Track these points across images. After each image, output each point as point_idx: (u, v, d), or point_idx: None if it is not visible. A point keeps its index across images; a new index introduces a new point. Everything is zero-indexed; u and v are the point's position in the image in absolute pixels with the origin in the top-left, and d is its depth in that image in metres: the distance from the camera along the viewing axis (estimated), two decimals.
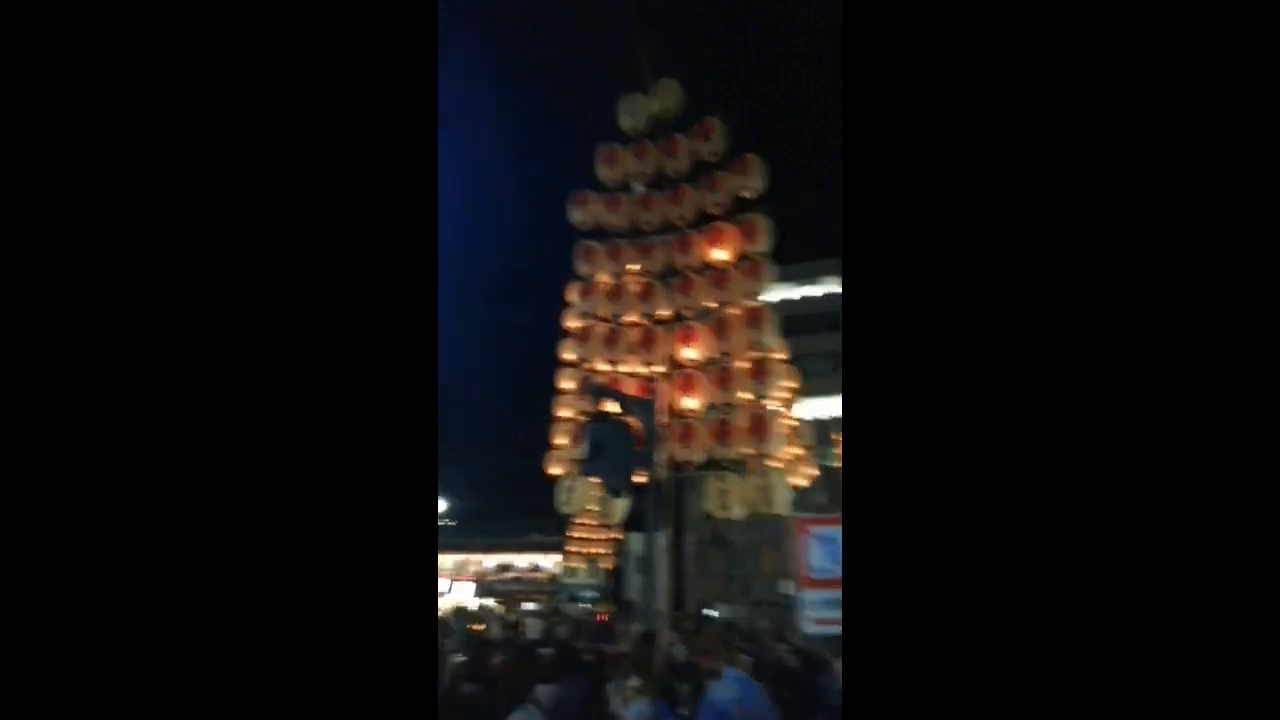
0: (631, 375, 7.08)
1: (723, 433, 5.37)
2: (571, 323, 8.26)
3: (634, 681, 3.27)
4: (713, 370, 5.67)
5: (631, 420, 5.21)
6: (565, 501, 6.05)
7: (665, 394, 5.90)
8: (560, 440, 8.68)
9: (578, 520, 16.23)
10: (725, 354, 5.68)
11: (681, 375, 5.74)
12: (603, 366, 7.86)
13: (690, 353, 5.80)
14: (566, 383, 8.80)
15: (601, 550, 16.11)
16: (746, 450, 5.37)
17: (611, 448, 5.01)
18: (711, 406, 5.62)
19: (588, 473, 5.33)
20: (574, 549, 15.93)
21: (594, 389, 5.37)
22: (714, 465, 5.63)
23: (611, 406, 5.12)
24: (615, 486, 5.05)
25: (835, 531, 3.72)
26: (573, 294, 6.81)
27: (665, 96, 6.45)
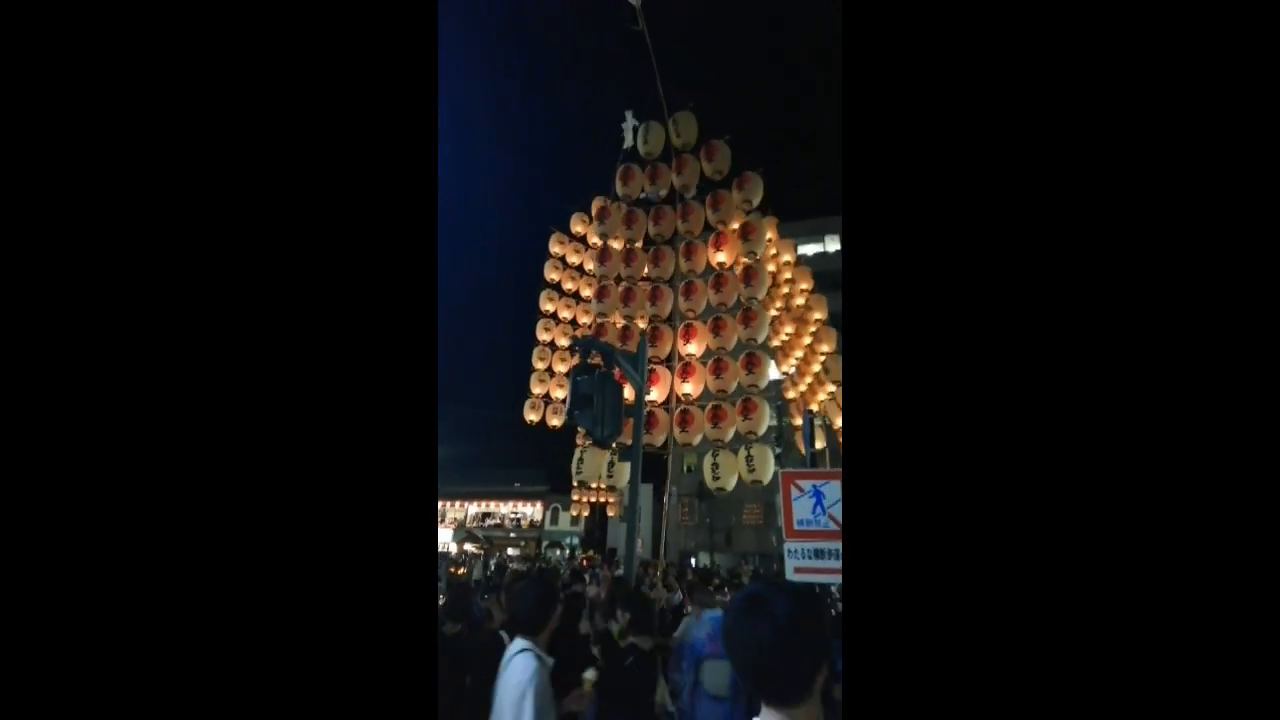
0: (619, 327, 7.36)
1: (716, 416, 6.23)
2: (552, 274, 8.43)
3: (614, 625, 3.32)
4: (710, 362, 6.48)
5: (618, 372, 5.20)
6: (577, 470, 6.79)
7: (655, 341, 6.69)
8: (539, 390, 8.91)
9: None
10: (721, 348, 6.46)
11: (682, 365, 6.57)
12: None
13: (691, 348, 6.59)
14: (546, 334, 8.93)
15: (607, 500, 16.80)
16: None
17: (598, 399, 4.99)
18: (706, 391, 6.44)
19: (573, 423, 5.35)
20: (578, 498, 16.60)
21: (581, 341, 5.34)
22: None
23: (598, 359, 5.11)
24: (601, 437, 5.06)
25: (821, 485, 3.77)
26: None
27: (682, 128, 7.18)
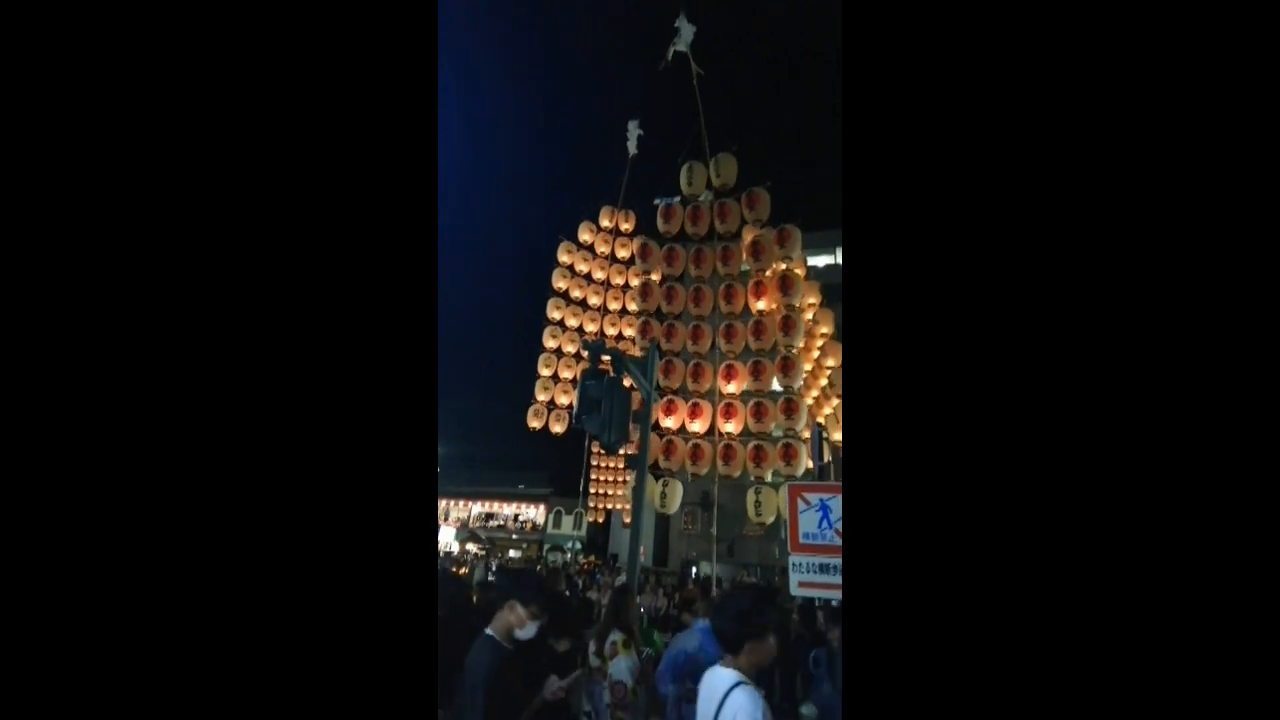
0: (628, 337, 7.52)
1: (759, 456, 6.62)
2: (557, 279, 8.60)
3: (617, 635, 3.29)
4: (750, 403, 6.83)
5: (626, 378, 5.20)
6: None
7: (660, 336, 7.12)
8: (543, 396, 9.08)
9: (596, 477, 16.70)
10: (760, 391, 6.81)
11: (724, 405, 6.93)
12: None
13: (731, 388, 6.97)
14: (552, 341, 9.03)
15: (622, 506, 16.99)
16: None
17: (606, 404, 4.99)
18: (747, 432, 6.80)
19: (582, 428, 5.36)
20: (594, 504, 16.82)
21: (591, 346, 5.36)
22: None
23: (607, 364, 5.11)
24: (608, 443, 5.05)
25: (827, 498, 3.73)
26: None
27: (722, 169, 7.48)
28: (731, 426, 6.85)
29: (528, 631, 2.28)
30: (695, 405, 7.01)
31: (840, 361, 8.44)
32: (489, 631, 2.23)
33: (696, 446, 6.89)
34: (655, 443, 6.90)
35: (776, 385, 6.83)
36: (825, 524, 3.63)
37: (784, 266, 7.04)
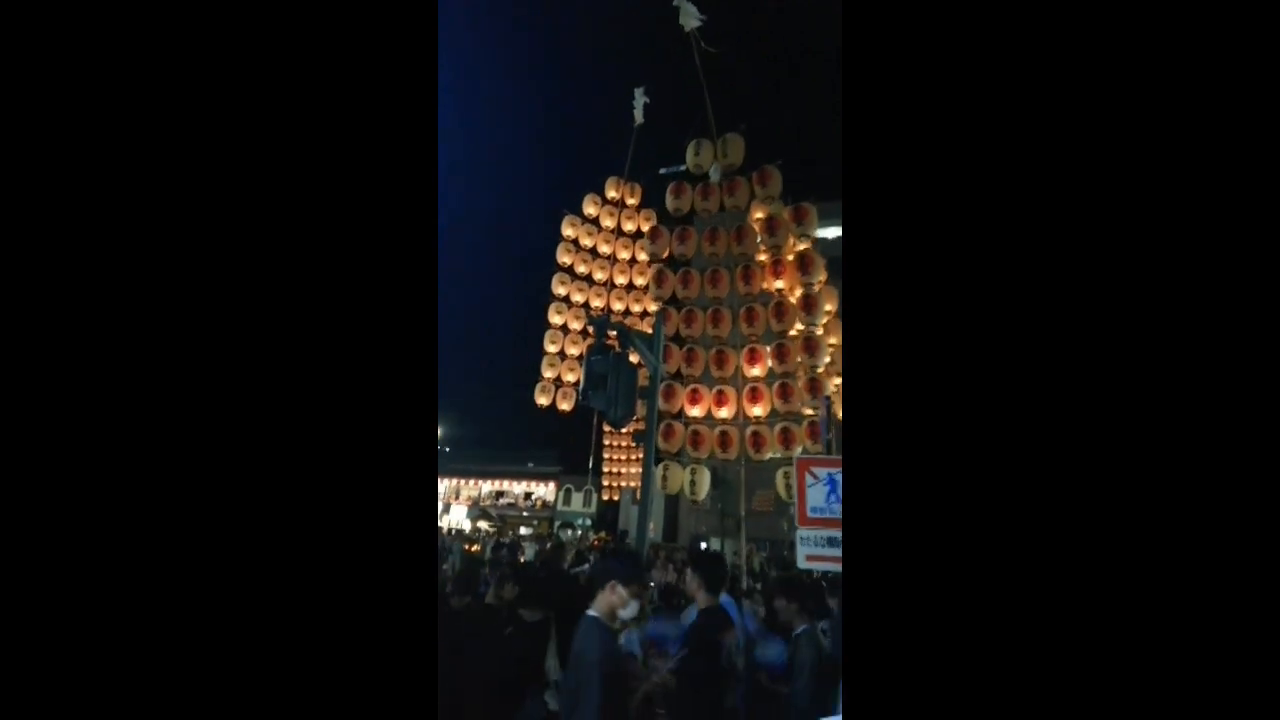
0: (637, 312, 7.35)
1: (787, 438, 6.56)
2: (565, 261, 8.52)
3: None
4: (775, 385, 6.73)
5: (633, 353, 5.20)
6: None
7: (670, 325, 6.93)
8: (549, 373, 9.08)
9: (608, 456, 16.87)
10: (786, 373, 6.69)
11: (750, 389, 6.86)
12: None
13: (756, 371, 6.88)
14: (558, 317, 9.01)
15: (635, 484, 17.27)
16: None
17: (612, 379, 5.01)
18: (774, 413, 6.73)
19: (588, 404, 5.39)
20: (608, 483, 17.04)
21: (597, 322, 5.36)
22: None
23: (613, 340, 5.11)
24: (615, 418, 5.08)
25: (835, 473, 3.76)
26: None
27: (730, 150, 7.25)
28: (759, 410, 6.76)
29: (630, 611, 2.29)
30: (720, 392, 6.89)
31: (841, 339, 8.44)
32: (593, 614, 2.21)
33: (724, 433, 6.78)
34: (680, 431, 6.84)
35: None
36: (833, 498, 3.66)
37: (800, 244, 6.85)
